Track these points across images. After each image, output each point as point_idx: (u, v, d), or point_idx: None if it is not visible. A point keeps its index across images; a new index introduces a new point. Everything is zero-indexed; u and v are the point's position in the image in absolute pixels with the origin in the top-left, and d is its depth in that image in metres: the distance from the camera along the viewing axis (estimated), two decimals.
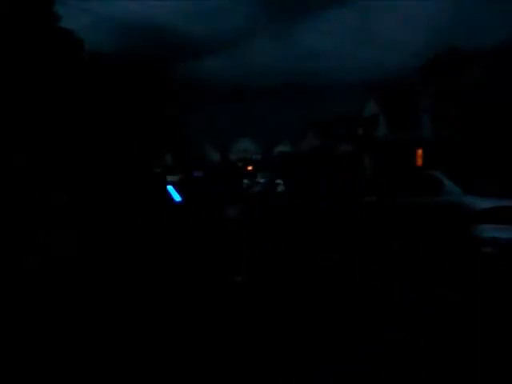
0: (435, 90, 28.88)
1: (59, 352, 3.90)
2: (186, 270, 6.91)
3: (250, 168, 55.14)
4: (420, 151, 30.43)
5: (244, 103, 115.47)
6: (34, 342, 4.14)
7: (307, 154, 49.47)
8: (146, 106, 38.70)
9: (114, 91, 32.79)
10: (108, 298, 5.52)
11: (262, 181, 33.58)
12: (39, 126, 22.87)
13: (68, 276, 6.34)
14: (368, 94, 41.03)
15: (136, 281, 6.28)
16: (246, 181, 38.36)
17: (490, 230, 7.35)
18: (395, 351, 3.99)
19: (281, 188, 32.82)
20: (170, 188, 12.50)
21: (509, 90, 21.36)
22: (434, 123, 28.65)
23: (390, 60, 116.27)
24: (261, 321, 4.76)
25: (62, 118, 24.40)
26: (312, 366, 3.68)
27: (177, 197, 12.54)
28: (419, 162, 30.34)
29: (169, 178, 50.50)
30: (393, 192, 10.98)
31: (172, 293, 5.72)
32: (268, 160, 65.86)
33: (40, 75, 22.75)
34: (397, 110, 34.89)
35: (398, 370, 3.63)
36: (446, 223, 8.19)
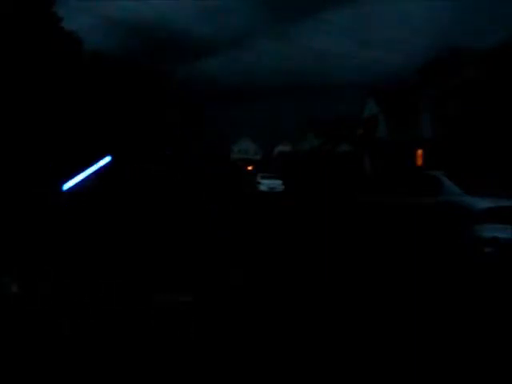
0: (435, 90, 28.85)
1: None
2: None
3: (250, 168, 55.16)
4: (420, 151, 30.40)
5: (244, 103, 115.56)
6: None
7: (307, 154, 49.46)
8: (145, 106, 38.66)
9: (113, 92, 32.78)
10: None
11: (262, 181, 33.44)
12: (39, 126, 22.87)
13: None
14: (368, 94, 41.00)
15: None
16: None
17: (489, 230, 7.36)
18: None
19: (280, 188, 32.75)
20: None
21: (509, 90, 21.34)
22: (434, 123, 28.63)
23: (389, 60, 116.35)
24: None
25: (61, 119, 24.39)
26: None
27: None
28: (419, 162, 30.32)
29: None
30: (392, 192, 10.97)
31: None
32: (268, 160, 65.90)
33: (40, 76, 22.75)
34: (397, 110, 34.85)
35: None
36: (446, 223, 8.19)
